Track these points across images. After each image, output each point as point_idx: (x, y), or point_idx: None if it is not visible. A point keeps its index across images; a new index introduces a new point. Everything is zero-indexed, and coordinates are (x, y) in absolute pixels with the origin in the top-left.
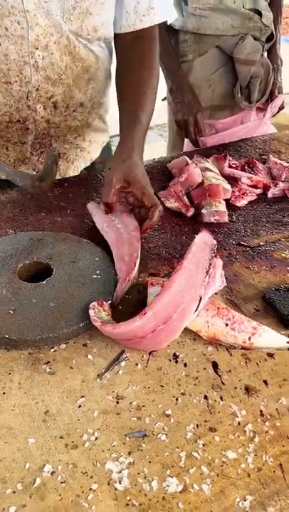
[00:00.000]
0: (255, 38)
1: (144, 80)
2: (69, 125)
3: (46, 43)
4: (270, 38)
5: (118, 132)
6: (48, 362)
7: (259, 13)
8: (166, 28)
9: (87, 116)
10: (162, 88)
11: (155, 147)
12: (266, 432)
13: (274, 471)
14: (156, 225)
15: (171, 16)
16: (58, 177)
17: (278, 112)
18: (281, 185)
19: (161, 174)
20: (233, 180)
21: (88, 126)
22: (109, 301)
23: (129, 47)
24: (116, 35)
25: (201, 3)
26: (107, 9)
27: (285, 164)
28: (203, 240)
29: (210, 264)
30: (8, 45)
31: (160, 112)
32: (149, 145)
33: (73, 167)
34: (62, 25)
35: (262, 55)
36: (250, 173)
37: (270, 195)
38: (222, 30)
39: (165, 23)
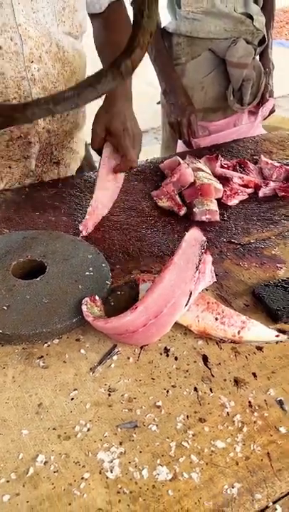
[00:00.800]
0: (248, 42)
1: (122, 36)
2: (64, 130)
3: (40, 54)
4: (262, 41)
5: None
6: (42, 356)
7: (251, 17)
8: (160, 31)
9: (77, 116)
10: (156, 92)
11: (150, 150)
12: (254, 422)
13: (262, 460)
14: (126, 171)
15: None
16: (53, 177)
17: (269, 115)
18: (272, 184)
19: (154, 174)
20: (224, 180)
21: (78, 128)
22: (102, 297)
23: (103, 19)
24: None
25: (194, 7)
26: (83, 3)
27: (276, 164)
28: (194, 236)
29: (200, 260)
30: (4, 63)
31: (155, 116)
32: (144, 148)
33: (70, 171)
34: (52, 32)
35: (254, 58)
36: (241, 173)
37: (261, 194)
38: (215, 34)
39: (159, 26)
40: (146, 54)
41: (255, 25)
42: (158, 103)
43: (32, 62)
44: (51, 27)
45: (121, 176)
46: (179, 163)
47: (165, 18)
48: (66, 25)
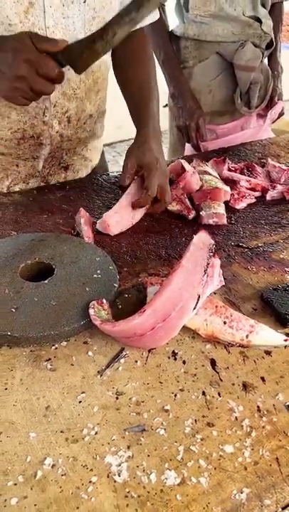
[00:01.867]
0: (255, 45)
1: (146, 71)
2: (79, 137)
3: None
4: (270, 45)
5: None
6: (49, 359)
7: (259, 21)
8: (168, 35)
9: (93, 126)
10: (164, 95)
11: None
12: (263, 427)
13: (270, 465)
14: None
15: (156, 14)
16: (60, 181)
17: (278, 118)
18: (279, 187)
19: None
20: (231, 183)
21: (94, 137)
22: (109, 300)
23: (124, 46)
24: None
25: (202, 11)
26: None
27: (284, 167)
28: (201, 239)
29: (208, 264)
30: None
31: (163, 119)
32: None
33: (78, 176)
34: (78, 39)
35: (261, 61)
36: (249, 176)
37: (268, 197)
38: (222, 37)
39: (167, 30)
40: (155, 57)
41: (263, 28)
42: (165, 106)
43: None
44: (79, 34)
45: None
46: (183, 168)
47: (173, 21)
48: None
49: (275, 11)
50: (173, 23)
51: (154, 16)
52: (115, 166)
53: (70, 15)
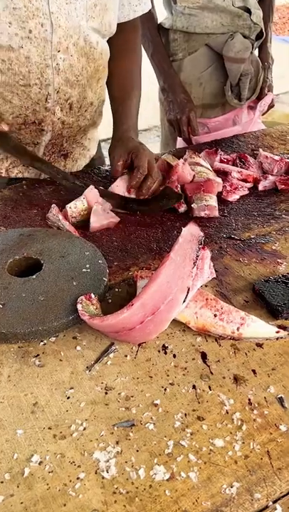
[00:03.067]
0: (245, 36)
1: (130, 65)
2: (80, 125)
3: (67, 45)
4: (260, 35)
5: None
6: (38, 355)
7: (248, 11)
8: (156, 28)
9: (94, 114)
10: (154, 88)
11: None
12: (254, 420)
13: (261, 458)
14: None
15: (150, 4)
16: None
17: (268, 110)
18: (271, 177)
19: None
20: (223, 175)
21: (94, 125)
22: (99, 295)
23: (116, 36)
24: None
25: (190, 2)
26: (116, 4)
27: (276, 158)
28: (190, 232)
29: (197, 256)
30: (31, 47)
31: (156, 114)
32: (147, 146)
33: (77, 166)
34: (81, 26)
35: (251, 52)
36: (242, 167)
37: (260, 187)
38: (211, 29)
39: (155, 22)
40: (144, 50)
41: (252, 19)
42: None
43: (59, 51)
44: (81, 21)
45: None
46: (168, 164)
47: (161, 13)
48: (96, 21)
49: (266, 1)
50: (161, 15)
51: (144, 8)
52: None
53: (73, 1)
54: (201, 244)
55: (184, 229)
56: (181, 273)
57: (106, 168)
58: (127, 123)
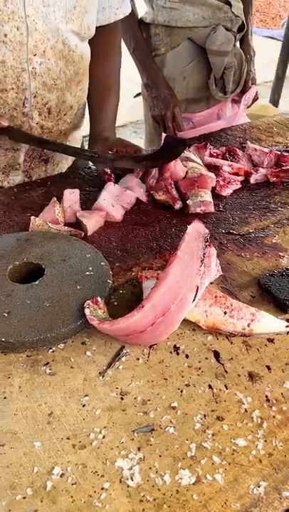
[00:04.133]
0: (227, 29)
1: (109, 68)
2: (60, 129)
3: (44, 48)
4: (242, 28)
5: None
6: (48, 363)
7: (229, 4)
8: (137, 23)
9: (74, 117)
10: (134, 85)
11: None
12: (273, 416)
13: (285, 456)
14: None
15: (130, 6)
16: (41, 174)
17: (253, 103)
18: (262, 170)
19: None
20: (214, 169)
21: (76, 128)
22: (104, 298)
23: (96, 38)
24: None
25: None
26: (96, 6)
27: (265, 150)
28: (196, 229)
29: (204, 254)
30: (6, 51)
31: (133, 110)
32: None
33: (58, 169)
34: (60, 29)
35: (234, 45)
36: (231, 161)
37: (252, 181)
38: (193, 22)
39: (136, 17)
40: (125, 46)
41: (233, 11)
42: (136, 96)
43: (35, 55)
44: (59, 23)
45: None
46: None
47: (141, 8)
48: (75, 24)
49: None
50: (141, 10)
51: (125, 11)
52: None
53: (51, 3)
54: (207, 241)
55: (189, 227)
56: (190, 272)
57: (90, 170)
58: (104, 124)
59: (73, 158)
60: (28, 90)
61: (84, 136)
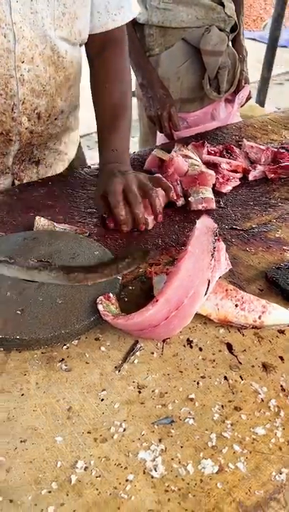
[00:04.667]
0: (220, 29)
1: (119, 92)
2: (50, 133)
3: (32, 55)
4: (234, 28)
5: (87, 131)
6: (63, 359)
7: (222, 4)
8: (131, 23)
9: (66, 121)
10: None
11: None
12: None
13: None
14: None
15: (136, 11)
16: (32, 176)
17: (246, 102)
18: (260, 167)
19: (141, 167)
20: (212, 167)
21: (68, 131)
22: (115, 293)
23: (100, 53)
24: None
25: None
26: (88, 11)
27: (262, 147)
28: (205, 224)
29: (214, 248)
30: None
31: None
32: None
33: (51, 171)
34: (48, 36)
35: (228, 45)
36: (229, 158)
37: (251, 177)
38: (187, 23)
39: None
40: None
41: (226, 12)
42: None
43: (23, 62)
44: (48, 30)
45: None
46: (160, 158)
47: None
48: (64, 30)
49: None
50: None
51: (125, 17)
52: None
53: (39, 10)
54: (216, 236)
55: (198, 222)
56: (201, 266)
57: (91, 169)
58: (110, 151)
59: (70, 159)
60: (16, 97)
61: (81, 136)
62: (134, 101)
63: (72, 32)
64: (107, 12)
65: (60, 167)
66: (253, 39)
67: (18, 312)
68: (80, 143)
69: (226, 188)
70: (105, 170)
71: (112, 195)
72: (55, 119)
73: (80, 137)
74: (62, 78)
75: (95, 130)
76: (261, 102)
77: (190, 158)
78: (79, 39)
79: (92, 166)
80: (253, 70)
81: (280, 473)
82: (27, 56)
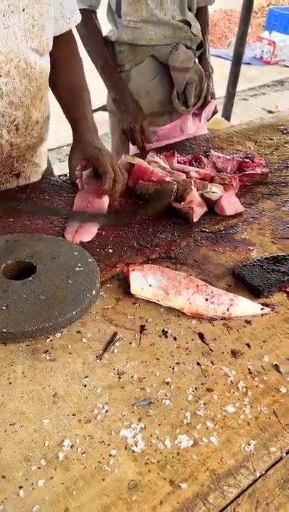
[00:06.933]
0: (187, 47)
1: (75, 74)
2: (28, 144)
3: (8, 68)
4: (200, 46)
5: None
6: (47, 351)
7: (188, 24)
8: (103, 41)
9: (40, 131)
10: (99, 98)
11: None
12: (257, 386)
13: (270, 418)
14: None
15: (79, 14)
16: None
17: (212, 116)
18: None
19: None
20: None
21: (42, 141)
22: (96, 291)
23: (58, 49)
24: None
25: (134, 16)
26: (52, 21)
27: (228, 157)
28: None
29: None
30: None
31: (102, 123)
32: None
33: (29, 182)
34: (21, 48)
35: (195, 62)
36: (198, 167)
37: None
38: (155, 41)
39: (101, 36)
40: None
41: (192, 31)
42: (95, 110)
43: (0, 76)
44: (20, 43)
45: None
46: (130, 164)
47: (106, 26)
48: (34, 42)
49: (201, 15)
50: (106, 28)
51: (77, 19)
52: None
53: (11, 24)
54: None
55: None
56: None
57: (67, 177)
58: (84, 124)
59: (42, 170)
60: None
61: (52, 149)
62: (106, 115)
63: (41, 42)
64: (62, 17)
65: (34, 179)
66: (219, 56)
67: (4, 308)
68: (48, 155)
69: None
70: (84, 138)
71: (107, 169)
72: (32, 129)
73: (50, 150)
74: (35, 89)
75: (66, 143)
76: (227, 116)
77: (161, 166)
78: (46, 49)
79: (67, 175)
80: (219, 86)
81: (249, 445)
82: (3, 70)
